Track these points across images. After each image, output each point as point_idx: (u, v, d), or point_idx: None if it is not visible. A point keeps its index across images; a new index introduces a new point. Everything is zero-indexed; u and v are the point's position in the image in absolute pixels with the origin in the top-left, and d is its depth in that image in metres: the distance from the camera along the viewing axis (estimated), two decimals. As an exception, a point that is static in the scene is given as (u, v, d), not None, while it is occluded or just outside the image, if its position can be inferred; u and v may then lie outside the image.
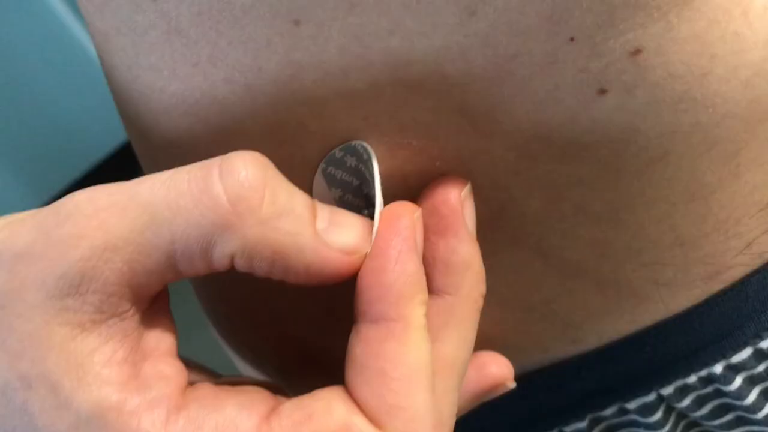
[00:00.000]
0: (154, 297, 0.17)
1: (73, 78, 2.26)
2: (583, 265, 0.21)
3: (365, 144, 0.19)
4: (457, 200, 0.19)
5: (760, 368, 0.24)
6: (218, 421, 0.16)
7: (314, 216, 0.17)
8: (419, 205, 0.19)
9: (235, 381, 0.19)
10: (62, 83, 2.24)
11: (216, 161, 0.16)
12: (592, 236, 0.21)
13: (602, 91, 0.18)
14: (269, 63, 0.18)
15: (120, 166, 2.33)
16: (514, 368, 0.24)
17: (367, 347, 0.17)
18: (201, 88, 0.18)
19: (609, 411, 0.25)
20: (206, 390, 0.17)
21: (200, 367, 0.20)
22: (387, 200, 0.20)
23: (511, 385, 0.22)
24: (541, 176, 0.19)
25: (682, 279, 0.22)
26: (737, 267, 0.22)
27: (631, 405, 0.24)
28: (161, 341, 0.17)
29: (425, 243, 0.19)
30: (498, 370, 0.22)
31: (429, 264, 0.19)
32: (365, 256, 0.17)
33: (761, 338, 0.23)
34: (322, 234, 0.17)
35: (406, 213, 0.18)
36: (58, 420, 0.15)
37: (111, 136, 2.31)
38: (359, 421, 0.16)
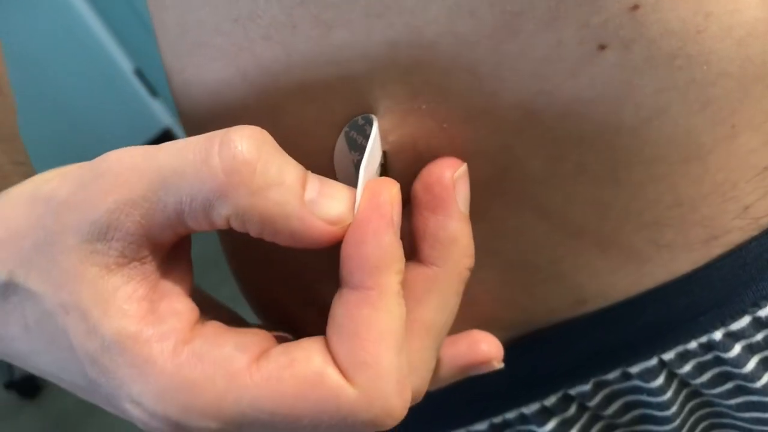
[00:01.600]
0: (174, 245, 0.20)
1: (96, 82, 2.29)
2: (586, 226, 0.22)
3: (373, 117, 0.20)
4: (450, 180, 0.20)
5: (759, 337, 0.24)
6: (217, 356, 0.18)
7: (303, 187, 0.18)
8: (417, 181, 0.21)
9: (241, 323, 0.21)
10: (85, 87, 2.27)
11: (218, 134, 0.18)
12: (592, 196, 0.21)
13: (602, 47, 0.18)
14: (302, 21, 0.19)
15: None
16: (521, 328, 0.25)
17: (345, 310, 0.18)
18: (241, 43, 0.20)
19: (612, 375, 0.25)
20: (212, 328, 0.19)
21: (216, 304, 0.23)
22: (398, 164, 0.21)
23: (498, 365, 0.23)
24: (544, 135, 0.20)
25: (681, 241, 0.23)
26: (735, 231, 0.23)
27: (634, 369, 0.25)
28: (177, 283, 0.20)
29: (418, 216, 0.20)
30: (488, 348, 0.23)
31: (419, 236, 0.20)
32: (348, 227, 0.19)
33: (759, 307, 0.24)
34: (309, 204, 0.18)
35: (386, 189, 0.19)
36: (88, 342, 0.18)
37: (130, 138, 2.34)
38: (332, 371, 0.18)
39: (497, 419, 0.27)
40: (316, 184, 0.18)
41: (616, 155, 0.21)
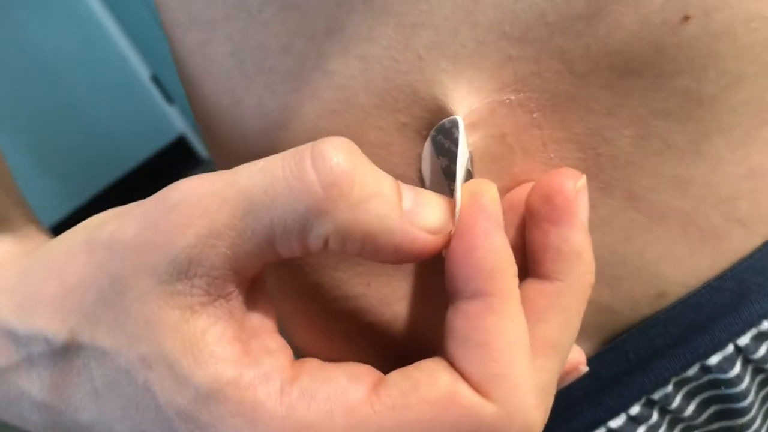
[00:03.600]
0: (254, 280, 0.18)
1: (112, 88, 2.30)
2: (669, 206, 0.22)
3: (459, 119, 0.20)
4: (572, 191, 0.19)
5: None
6: (330, 391, 0.16)
7: (400, 197, 0.17)
8: (533, 192, 0.20)
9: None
10: (102, 92, 2.28)
11: (308, 148, 0.17)
12: (676, 173, 0.22)
13: (686, 18, 0.19)
14: (385, 29, 0.19)
15: (153, 173, 2.37)
16: (604, 333, 0.25)
17: (466, 321, 0.17)
18: (314, 61, 0.19)
19: (691, 371, 0.25)
20: (314, 363, 0.18)
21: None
22: (487, 163, 0.21)
23: (584, 369, 0.22)
24: (631, 114, 0.20)
25: (755, 213, 0.23)
26: None
27: (712, 360, 0.25)
28: (264, 320, 0.18)
29: (536, 230, 0.19)
30: (571, 354, 0.22)
31: (540, 250, 0.19)
32: (450, 235, 0.18)
33: None
34: (408, 215, 0.17)
35: (486, 190, 0.18)
36: (179, 396, 0.16)
37: (145, 144, 2.35)
38: (464, 389, 0.17)
39: None
40: (410, 193, 0.18)
41: (698, 126, 0.21)
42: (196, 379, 0.16)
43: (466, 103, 0.20)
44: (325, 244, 0.17)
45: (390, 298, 0.23)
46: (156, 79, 2.30)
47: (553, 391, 0.19)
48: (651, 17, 0.19)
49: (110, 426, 0.17)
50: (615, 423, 0.26)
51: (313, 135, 0.20)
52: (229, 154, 0.23)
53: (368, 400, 0.16)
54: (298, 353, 0.27)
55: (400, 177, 0.20)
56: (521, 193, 0.21)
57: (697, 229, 0.23)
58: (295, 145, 0.18)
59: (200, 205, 0.16)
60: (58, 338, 0.17)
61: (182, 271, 0.16)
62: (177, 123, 2.39)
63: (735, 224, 0.23)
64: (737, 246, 0.24)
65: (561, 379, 0.22)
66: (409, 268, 0.20)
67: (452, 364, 0.17)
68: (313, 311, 0.25)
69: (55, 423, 0.18)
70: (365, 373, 0.17)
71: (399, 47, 0.19)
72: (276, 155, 0.17)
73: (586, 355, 0.25)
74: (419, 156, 0.21)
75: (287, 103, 0.20)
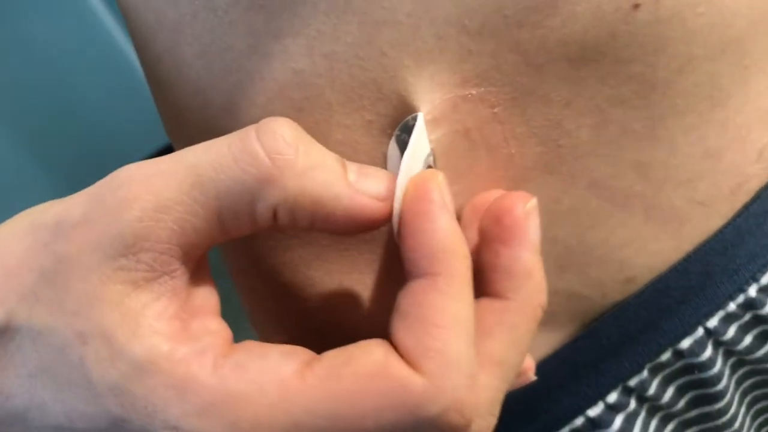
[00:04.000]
0: (199, 260, 0.18)
1: (113, 87, 2.30)
2: (631, 191, 0.23)
3: (420, 114, 0.20)
4: (521, 212, 0.20)
5: None
6: (263, 365, 0.17)
7: (345, 168, 0.18)
8: (485, 214, 0.20)
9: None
10: (102, 92, 2.28)
11: (251, 127, 0.17)
12: (635, 158, 0.22)
13: (636, 5, 0.20)
14: (349, 26, 0.19)
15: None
16: (576, 322, 0.25)
17: (411, 298, 0.17)
18: (282, 60, 0.20)
19: (664, 357, 0.26)
20: (251, 342, 0.18)
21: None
22: (452, 155, 0.21)
23: (533, 377, 0.23)
24: (588, 102, 0.21)
25: (713, 193, 0.24)
26: (754, 178, 0.24)
27: (684, 344, 0.25)
28: (206, 301, 0.18)
29: (488, 250, 0.20)
30: None
31: (491, 270, 0.19)
32: (393, 202, 0.18)
33: None
34: (354, 183, 0.18)
35: (430, 177, 0.19)
36: (113, 369, 0.16)
37: (145, 144, 2.35)
38: (395, 362, 0.16)
39: (564, 431, 0.26)
40: (354, 166, 0.18)
41: (654, 111, 0.22)
42: (132, 350, 0.16)
43: (428, 98, 0.20)
44: (274, 215, 0.17)
45: (362, 296, 0.24)
46: (157, 79, 2.30)
47: (497, 409, 0.19)
48: (603, 6, 0.20)
49: (42, 410, 0.17)
50: (593, 411, 0.26)
51: None
52: None
53: (300, 374, 0.16)
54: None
55: None
56: (486, 197, 0.21)
57: (659, 213, 0.24)
58: None
59: (148, 182, 0.17)
60: None
61: (127, 246, 0.16)
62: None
63: (696, 206, 0.24)
64: (699, 227, 0.24)
65: None
66: (381, 266, 0.21)
67: (392, 338, 0.17)
68: (288, 311, 0.25)
69: None
70: (301, 351, 0.18)
71: (363, 45, 0.20)
72: (222, 136, 0.17)
73: (560, 343, 0.26)
74: (385, 156, 0.21)
75: (256, 102, 0.21)
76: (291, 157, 0.17)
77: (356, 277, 0.23)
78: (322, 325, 0.24)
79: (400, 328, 0.17)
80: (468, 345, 0.17)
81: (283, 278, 0.24)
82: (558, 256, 0.24)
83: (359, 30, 0.19)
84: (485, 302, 0.19)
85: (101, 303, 0.16)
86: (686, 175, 0.23)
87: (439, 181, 0.18)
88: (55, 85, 2.19)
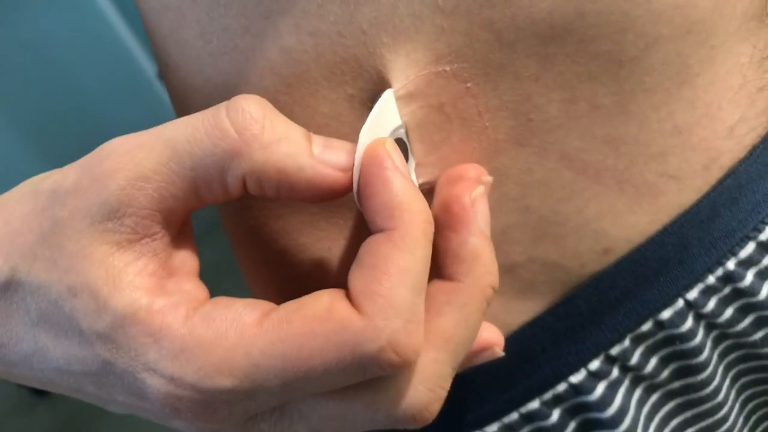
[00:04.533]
0: (181, 226, 0.20)
1: (119, 84, 2.32)
2: (602, 165, 0.24)
3: (390, 90, 0.22)
4: (468, 200, 0.21)
5: (766, 261, 0.26)
6: (227, 315, 0.18)
7: (309, 141, 0.19)
8: (435, 203, 0.22)
9: None
10: (108, 89, 2.30)
11: (223, 103, 0.19)
12: (606, 133, 0.23)
13: None
14: (332, 6, 0.21)
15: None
16: (556, 291, 0.26)
17: (368, 247, 0.19)
18: (272, 38, 0.22)
19: (645, 327, 0.26)
20: (221, 297, 0.20)
21: None
22: (427, 128, 0.23)
23: (500, 352, 0.24)
24: (557, 78, 0.22)
25: (686, 168, 0.25)
26: (726, 154, 0.25)
27: (664, 315, 0.26)
28: (185, 263, 0.20)
29: (439, 237, 0.21)
30: (489, 335, 0.24)
31: (442, 254, 0.21)
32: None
33: (759, 231, 0.26)
34: (318, 156, 0.19)
35: (378, 143, 0.20)
36: (99, 320, 0.18)
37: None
38: (340, 305, 0.18)
39: (547, 395, 0.27)
40: (320, 140, 0.20)
41: (623, 87, 0.23)
42: (114, 304, 0.18)
43: (404, 74, 0.22)
44: (243, 184, 0.19)
45: (350, 262, 0.25)
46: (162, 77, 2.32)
47: (446, 384, 0.20)
48: None
49: (44, 353, 0.19)
50: (575, 378, 0.27)
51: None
52: None
53: (259, 321, 0.18)
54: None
55: None
56: (458, 170, 0.23)
57: (632, 186, 0.24)
58: None
59: (130, 154, 0.18)
60: (1, 277, 0.19)
61: (112, 211, 0.18)
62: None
63: (668, 179, 0.25)
64: (674, 200, 0.25)
65: (472, 357, 0.23)
66: (367, 233, 0.22)
67: (348, 284, 0.19)
68: (282, 276, 0.26)
69: (0, 356, 0.20)
70: (263, 303, 0.19)
71: (345, 23, 0.21)
72: (197, 112, 0.19)
73: (540, 311, 0.27)
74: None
75: (249, 79, 0.22)
76: (257, 132, 0.18)
77: (343, 243, 0.25)
78: (315, 289, 0.26)
79: (355, 275, 0.19)
80: (412, 293, 0.18)
81: (277, 245, 0.25)
82: (533, 226, 0.25)
83: (341, 9, 0.21)
84: (437, 284, 0.21)
85: (89, 261, 0.18)
86: (657, 150, 0.24)
87: (387, 146, 0.20)
88: (59, 83, 2.21)
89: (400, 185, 0.19)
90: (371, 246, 0.19)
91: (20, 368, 0.20)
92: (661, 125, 0.24)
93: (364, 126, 0.20)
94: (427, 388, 0.20)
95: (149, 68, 2.32)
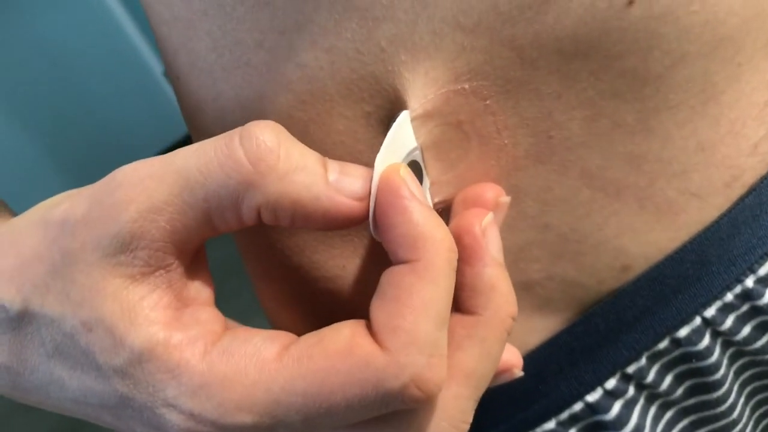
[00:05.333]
0: (195, 255, 0.20)
1: (125, 82, 2.32)
2: (623, 182, 0.23)
3: (406, 111, 0.21)
4: (479, 230, 0.21)
5: None
6: (246, 349, 0.18)
7: (325, 169, 0.19)
8: (450, 226, 0.21)
9: None
10: (115, 86, 2.30)
11: (236, 131, 0.18)
12: (628, 151, 0.23)
13: (630, 2, 0.21)
14: (350, 23, 0.20)
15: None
16: (573, 308, 0.26)
17: (391, 278, 0.18)
18: (286, 54, 0.21)
19: (662, 345, 0.26)
20: (240, 329, 0.19)
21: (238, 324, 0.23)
22: (444, 146, 0.22)
23: (519, 373, 0.23)
24: (580, 95, 0.22)
25: (707, 186, 0.24)
26: (749, 171, 0.25)
27: (681, 333, 0.26)
28: (200, 292, 0.20)
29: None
30: (508, 357, 0.23)
31: (459, 288, 0.20)
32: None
33: None
34: (334, 184, 0.19)
35: (394, 171, 0.19)
36: (116, 356, 0.18)
37: (156, 140, 2.37)
38: (362, 340, 0.18)
39: (563, 415, 0.27)
40: (336, 166, 0.19)
41: (646, 105, 0.22)
42: (131, 340, 0.18)
43: (423, 92, 0.21)
44: (258, 215, 0.18)
45: (363, 281, 0.25)
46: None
47: (469, 418, 0.20)
48: (597, 2, 0.20)
49: (60, 385, 0.19)
50: (592, 397, 0.26)
51: (288, 125, 0.22)
52: None
53: (279, 355, 0.18)
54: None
55: (365, 164, 0.21)
56: (476, 190, 0.22)
57: (652, 204, 0.24)
58: None
59: (141, 185, 0.18)
60: (14, 307, 0.19)
61: (125, 244, 0.18)
62: (188, 119, 2.41)
63: (690, 197, 0.24)
64: (694, 218, 0.25)
65: (493, 379, 0.23)
66: (382, 251, 0.21)
67: (370, 315, 0.18)
68: (295, 293, 0.26)
69: (15, 384, 0.20)
70: (282, 335, 0.19)
71: (363, 40, 0.21)
72: (209, 139, 0.19)
73: (557, 329, 0.26)
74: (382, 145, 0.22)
75: (263, 94, 0.22)
76: (272, 163, 0.18)
77: (358, 261, 0.24)
78: (328, 307, 0.26)
79: (377, 306, 0.18)
80: (436, 327, 0.18)
81: (290, 262, 0.25)
82: (551, 243, 0.24)
83: (359, 25, 0.20)
84: (456, 317, 0.20)
85: (103, 295, 0.18)
86: (680, 168, 0.24)
87: (401, 174, 0.19)
88: (66, 81, 2.22)
89: (420, 214, 0.18)
90: (393, 277, 0.18)
91: (36, 395, 0.20)
92: (685, 142, 0.23)
93: (379, 153, 0.20)
94: (450, 425, 0.19)
95: (156, 67, 2.32)
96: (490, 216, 0.21)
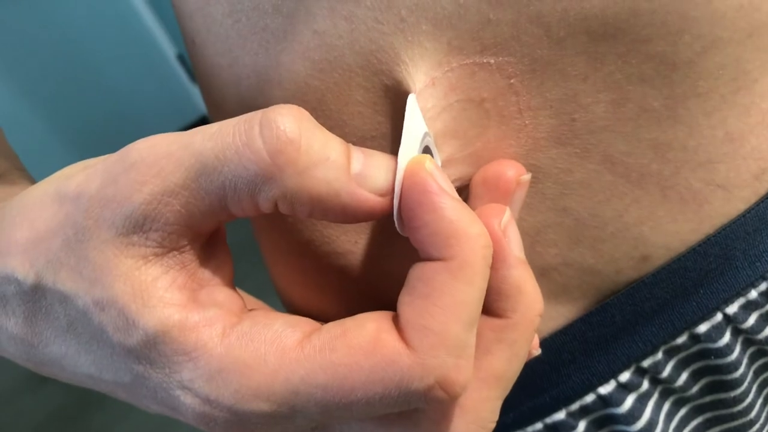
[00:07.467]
0: (212, 234, 0.19)
1: (139, 65, 2.33)
2: (647, 170, 0.23)
3: (413, 95, 0.20)
4: (499, 230, 0.20)
5: None
6: (267, 334, 0.18)
7: (349, 160, 0.18)
8: None
9: None
10: (128, 69, 2.31)
11: (257, 115, 0.17)
12: (653, 138, 0.22)
13: None
14: None
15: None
16: (590, 296, 0.25)
17: (422, 273, 0.18)
18: (304, 20, 0.21)
19: (681, 340, 0.25)
20: (260, 312, 0.19)
21: (255, 301, 0.23)
22: (463, 124, 0.21)
23: (536, 352, 0.23)
24: (606, 78, 0.21)
25: (734, 177, 0.23)
26: None
27: (701, 328, 0.25)
28: (217, 272, 0.19)
29: None
30: None
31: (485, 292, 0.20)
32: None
33: None
34: (356, 177, 0.18)
35: (418, 166, 0.18)
36: (129, 338, 0.17)
37: (168, 123, 2.38)
38: (388, 337, 0.17)
39: (574, 406, 0.26)
40: (360, 156, 0.18)
41: (674, 91, 0.21)
42: (144, 321, 0.17)
43: (447, 59, 0.21)
44: (275, 205, 0.18)
45: (376, 256, 0.24)
46: (182, 58, 2.32)
47: (496, 417, 0.20)
48: None
49: (75, 359, 0.19)
50: (605, 389, 0.26)
51: (305, 92, 0.21)
52: (226, 114, 0.24)
53: (300, 344, 0.17)
54: (293, 311, 0.28)
55: (384, 135, 0.21)
56: (494, 167, 0.21)
57: (676, 193, 0.23)
58: (293, 103, 0.18)
59: (157, 165, 0.17)
60: (27, 281, 0.19)
61: (138, 225, 0.17)
62: (200, 103, 2.42)
63: (715, 188, 0.23)
64: (719, 210, 0.24)
65: None
66: (395, 230, 0.21)
67: (398, 308, 0.18)
68: (306, 267, 0.26)
69: (29, 355, 0.20)
70: (304, 322, 0.18)
71: (382, 8, 0.20)
72: (230, 120, 0.18)
73: (573, 317, 0.26)
74: (403, 115, 0.21)
75: (280, 61, 0.21)
76: (292, 155, 0.17)
77: (370, 236, 0.24)
78: (339, 282, 0.25)
79: (406, 301, 0.18)
80: (465, 329, 0.17)
81: (302, 236, 0.25)
82: (569, 227, 0.24)
83: None
84: (483, 320, 0.20)
85: (115, 275, 0.17)
86: (706, 157, 0.23)
87: (427, 167, 0.18)
88: (80, 63, 2.22)
89: (452, 210, 0.18)
90: (425, 272, 0.18)
91: (50, 368, 0.20)
92: (712, 132, 0.23)
93: (400, 148, 0.19)
94: (480, 426, 0.19)
95: (169, 50, 2.32)
96: (507, 213, 0.20)
